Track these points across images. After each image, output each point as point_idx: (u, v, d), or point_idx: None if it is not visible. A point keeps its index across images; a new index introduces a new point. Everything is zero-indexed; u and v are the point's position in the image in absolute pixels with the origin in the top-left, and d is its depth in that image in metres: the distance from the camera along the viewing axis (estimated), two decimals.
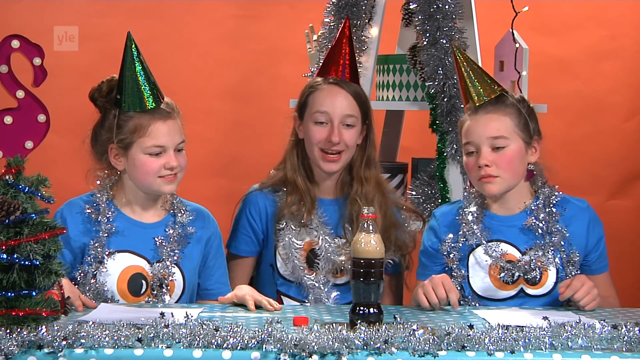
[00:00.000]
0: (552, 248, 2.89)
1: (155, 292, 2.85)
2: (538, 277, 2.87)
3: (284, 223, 3.05)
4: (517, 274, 2.87)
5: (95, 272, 2.82)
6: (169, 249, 2.88)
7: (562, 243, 2.90)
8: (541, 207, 2.93)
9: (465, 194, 3.02)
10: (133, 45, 2.84)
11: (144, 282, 2.86)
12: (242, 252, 3.12)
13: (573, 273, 2.88)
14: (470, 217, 2.93)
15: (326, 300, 3.01)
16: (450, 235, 2.94)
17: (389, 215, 3.06)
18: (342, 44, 3.11)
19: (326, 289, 3.03)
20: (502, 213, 2.96)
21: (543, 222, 2.91)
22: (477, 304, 2.88)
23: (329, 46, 3.43)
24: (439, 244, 2.96)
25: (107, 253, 2.83)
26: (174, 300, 2.89)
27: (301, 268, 3.03)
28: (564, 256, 2.89)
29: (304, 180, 3.08)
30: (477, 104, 2.90)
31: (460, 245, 2.93)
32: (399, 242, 3.08)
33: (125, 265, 2.85)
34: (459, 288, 2.88)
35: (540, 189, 2.96)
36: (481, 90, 2.91)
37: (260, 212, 3.10)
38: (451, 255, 2.92)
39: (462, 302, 2.88)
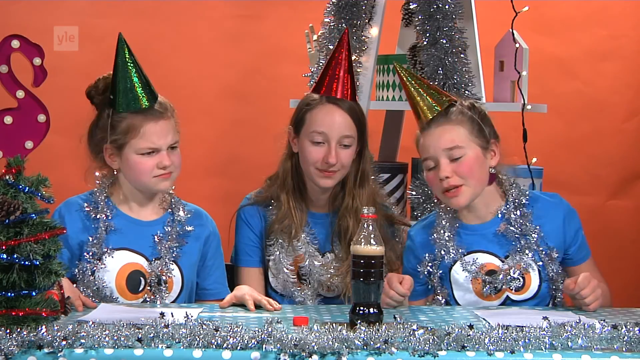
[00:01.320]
0: (529, 250, 2.88)
1: (153, 289, 2.85)
2: (521, 284, 2.87)
3: (274, 239, 3.05)
4: (501, 282, 2.86)
5: (94, 269, 2.83)
6: (167, 247, 2.89)
7: (539, 243, 2.89)
8: (512, 210, 2.91)
9: (435, 210, 3.00)
10: (125, 46, 2.84)
11: (142, 279, 2.86)
12: (253, 264, 3.09)
13: (555, 270, 2.88)
14: (442, 235, 2.91)
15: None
16: (427, 256, 2.93)
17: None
18: (340, 59, 3.02)
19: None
20: (475, 222, 2.94)
21: (517, 225, 2.89)
22: None
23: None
24: (418, 264, 2.95)
25: (105, 250, 2.84)
26: (172, 298, 2.89)
27: (291, 283, 3.04)
28: (543, 255, 2.89)
29: (295, 196, 3.06)
30: (430, 118, 2.88)
31: (438, 263, 2.92)
32: (387, 259, 2.97)
33: (123, 263, 2.86)
34: (443, 302, 2.88)
35: (509, 191, 2.94)
36: (431, 103, 2.88)
37: (257, 224, 3.09)
38: (430, 275, 2.92)
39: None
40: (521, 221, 2.90)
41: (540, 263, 2.88)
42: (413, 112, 2.95)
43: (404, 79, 2.93)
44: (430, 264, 2.92)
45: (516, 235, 2.89)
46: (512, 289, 2.86)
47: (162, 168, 2.87)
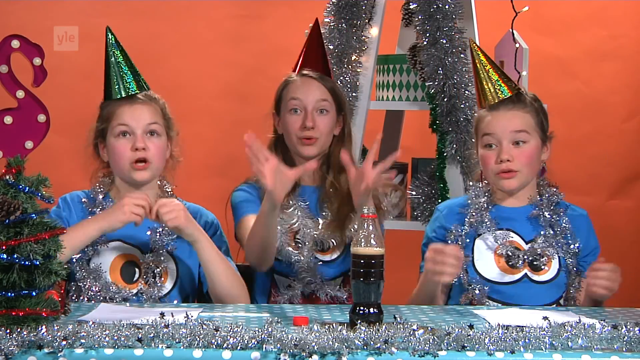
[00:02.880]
0: (554, 239, 2.93)
1: (148, 279, 2.87)
2: (543, 264, 2.91)
3: None
4: (524, 257, 2.90)
5: (89, 259, 2.86)
6: (161, 239, 2.90)
7: (565, 235, 2.94)
8: (546, 204, 2.98)
9: (472, 188, 3.02)
10: (111, 38, 2.93)
11: (136, 269, 2.89)
12: (254, 211, 3.07)
13: (573, 264, 2.93)
14: (479, 208, 2.95)
15: (314, 276, 3.10)
16: (456, 225, 2.96)
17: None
18: (314, 45, 3.22)
19: (312, 266, 3.10)
20: (508, 205, 2.99)
21: (547, 216, 2.95)
22: (482, 287, 2.89)
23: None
24: (444, 233, 2.97)
25: (100, 239, 2.86)
26: (167, 289, 2.91)
27: (287, 244, 3.10)
28: (565, 247, 2.93)
29: None
30: (499, 99, 2.94)
31: (467, 231, 2.95)
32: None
33: (118, 253, 2.89)
34: (464, 268, 2.89)
35: (545, 188, 3.01)
36: (502, 86, 2.96)
37: (254, 194, 3.15)
38: (458, 241, 2.93)
39: (467, 287, 2.90)
40: (552, 214, 2.96)
41: (562, 254, 2.93)
42: (478, 92, 3.01)
43: (476, 57, 3.00)
44: (459, 234, 2.94)
45: (544, 224, 2.95)
46: (532, 267, 2.90)
47: (134, 150, 2.88)
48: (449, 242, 2.95)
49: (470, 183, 3.05)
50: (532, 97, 3.00)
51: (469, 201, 2.99)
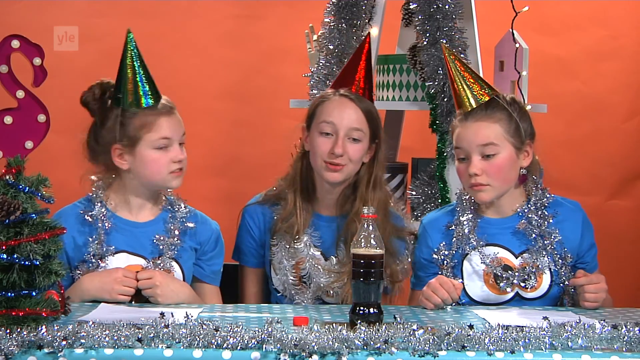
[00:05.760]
0: (545, 251, 2.88)
1: None
2: (534, 283, 2.87)
3: (277, 239, 3.03)
4: (512, 279, 2.86)
5: (96, 269, 2.82)
6: (167, 244, 2.88)
7: (555, 245, 2.89)
8: (533, 210, 2.91)
9: (457, 201, 2.99)
10: (133, 43, 2.85)
11: None
12: (249, 264, 3.11)
13: (566, 274, 2.88)
14: (465, 226, 2.91)
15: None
16: (443, 243, 2.92)
17: (385, 243, 3.00)
18: (360, 59, 3.04)
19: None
20: (494, 216, 2.95)
21: (536, 225, 2.90)
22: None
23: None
24: (431, 253, 2.93)
25: (107, 250, 2.83)
26: None
27: (292, 285, 3.02)
28: (557, 258, 2.89)
29: (302, 196, 3.03)
30: (470, 109, 2.88)
31: (454, 252, 2.91)
32: (391, 271, 2.97)
33: (124, 265, 2.85)
34: None
35: (533, 192, 2.94)
36: (472, 95, 2.88)
37: (259, 225, 3.08)
38: (445, 263, 2.91)
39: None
40: (540, 222, 2.90)
41: (554, 266, 2.88)
42: (454, 99, 2.95)
43: (450, 62, 2.93)
44: (446, 252, 2.91)
45: (534, 235, 2.89)
46: (526, 288, 2.86)
47: (177, 162, 2.86)
48: (437, 262, 2.91)
49: (459, 191, 3.00)
50: (508, 101, 2.89)
51: (456, 220, 2.94)
